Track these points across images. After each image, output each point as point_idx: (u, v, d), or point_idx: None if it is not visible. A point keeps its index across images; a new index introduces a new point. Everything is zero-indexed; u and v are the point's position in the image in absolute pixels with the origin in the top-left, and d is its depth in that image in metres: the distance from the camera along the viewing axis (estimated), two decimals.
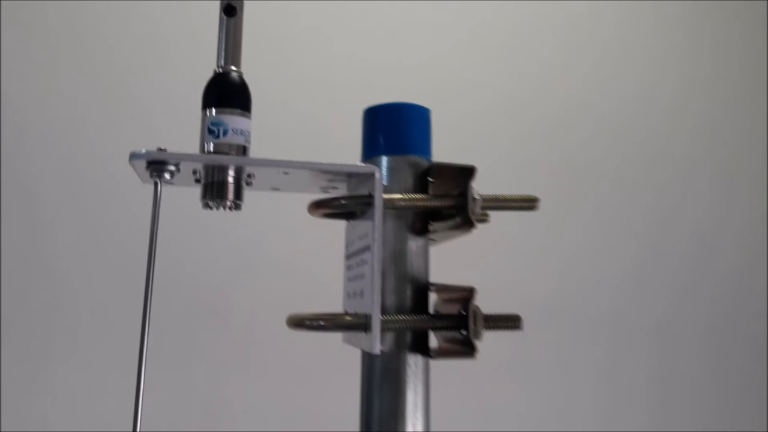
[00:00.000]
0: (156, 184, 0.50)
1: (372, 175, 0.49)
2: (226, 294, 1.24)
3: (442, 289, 0.53)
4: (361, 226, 0.53)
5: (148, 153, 0.47)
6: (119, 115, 1.22)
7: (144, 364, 0.46)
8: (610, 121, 1.56)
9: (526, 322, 0.52)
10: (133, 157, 0.48)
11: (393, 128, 0.54)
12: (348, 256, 0.58)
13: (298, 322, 0.51)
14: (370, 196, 0.49)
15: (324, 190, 0.57)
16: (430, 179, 0.54)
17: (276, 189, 0.58)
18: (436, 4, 1.47)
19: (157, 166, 0.48)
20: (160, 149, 0.48)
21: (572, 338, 1.46)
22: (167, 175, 0.49)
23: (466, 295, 0.50)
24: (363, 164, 0.52)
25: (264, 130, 0.69)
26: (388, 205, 0.50)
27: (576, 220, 1.51)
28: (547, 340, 1.44)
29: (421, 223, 0.54)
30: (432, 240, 0.55)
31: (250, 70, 0.57)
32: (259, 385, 1.24)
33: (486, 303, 0.53)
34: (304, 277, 1.24)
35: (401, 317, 0.50)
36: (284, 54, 1.38)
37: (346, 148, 0.66)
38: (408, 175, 0.53)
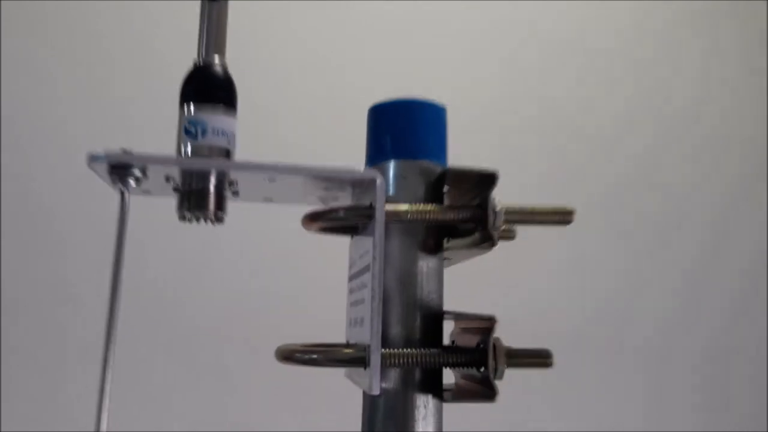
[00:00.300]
0: (123, 193, 0.43)
1: (373, 181, 0.41)
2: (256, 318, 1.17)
3: (458, 317, 0.45)
4: (363, 242, 0.45)
5: (108, 155, 0.40)
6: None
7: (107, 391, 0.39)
8: (658, 135, 1.46)
9: (558, 352, 0.44)
10: (93, 159, 0.40)
11: (402, 128, 0.47)
12: (350, 278, 0.50)
13: (288, 355, 0.44)
14: (371, 207, 0.42)
15: (324, 201, 0.50)
16: (446, 188, 0.46)
17: (269, 200, 0.50)
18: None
19: (121, 170, 0.41)
20: (124, 151, 0.41)
21: (610, 371, 1.36)
22: (132, 182, 0.41)
23: (485, 326, 0.42)
24: (364, 170, 0.44)
25: (253, 133, 0.61)
26: (393, 217, 0.42)
27: (615, 238, 1.40)
28: (581, 373, 1.34)
29: (434, 239, 0.46)
30: (447, 259, 0.47)
31: (237, 62, 0.50)
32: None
33: (512, 332, 0.45)
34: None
35: (408, 351, 0.42)
36: (277, 42, 1.29)
37: (355, 153, 0.58)
38: (419, 183, 0.46)
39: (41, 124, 1.18)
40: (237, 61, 0.51)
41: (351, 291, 0.49)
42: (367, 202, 0.43)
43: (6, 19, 1.19)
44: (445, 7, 1.38)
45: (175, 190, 0.46)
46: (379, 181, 0.41)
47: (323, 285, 1.04)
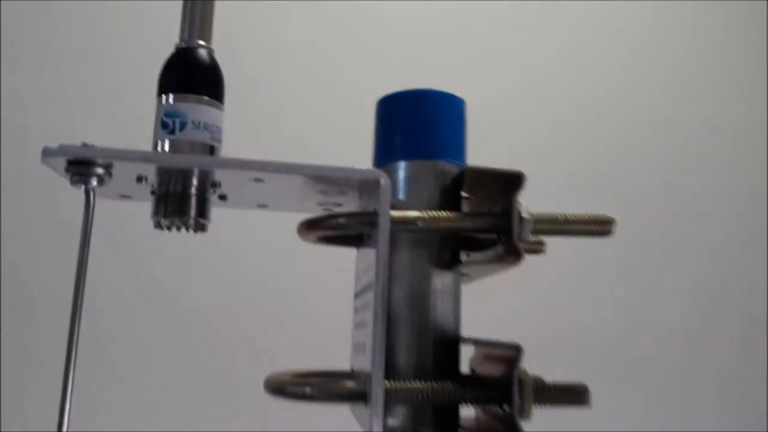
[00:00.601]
0: (88, 194, 0.36)
1: (376, 182, 0.35)
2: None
3: (477, 343, 0.38)
4: (368, 255, 0.39)
5: (64, 149, 0.34)
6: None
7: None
8: (686, 143, 1.38)
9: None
10: (47, 154, 0.34)
11: (415, 123, 0.40)
12: (356, 295, 0.43)
13: (278, 387, 0.37)
14: (376, 214, 0.35)
15: (324, 207, 0.44)
16: (464, 193, 0.39)
17: (263, 206, 0.44)
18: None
19: (80, 167, 0.35)
20: (84, 144, 0.35)
21: (635, 389, 1.27)
22: (94, 181, 0.35)
23: (508, 355, 0.35)
24: (365, 169, 0.37)
25: (247, 131, 0.55)
26: (402, 225, 0.36)
27: (641, 250, 1.32)
28: (609, 394, 1.26)
29: (450, 252, 0.39)
30: (465, 275, 0.40)
31: (226, 47, 0.44)
32: None
33: (536, 357, 0.39)
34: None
35: (417, 385, 0.35)
36: (273, 26, 1.18)
37: (363, 152, 0.51)
38: (433, 187, 0.39)
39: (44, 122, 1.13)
40: (232, 51, 0.45)
41: (356, 310, 0.43)
42: (372, 208, 0.37)
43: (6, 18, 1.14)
44: (472, 6, 1.31)
45: (153, 193, 0.40)
46: (383, 181, 0.34)
47: (327, 289, 0.98)
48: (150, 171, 0.37)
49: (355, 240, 0.42)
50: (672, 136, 1.39)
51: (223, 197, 0.41)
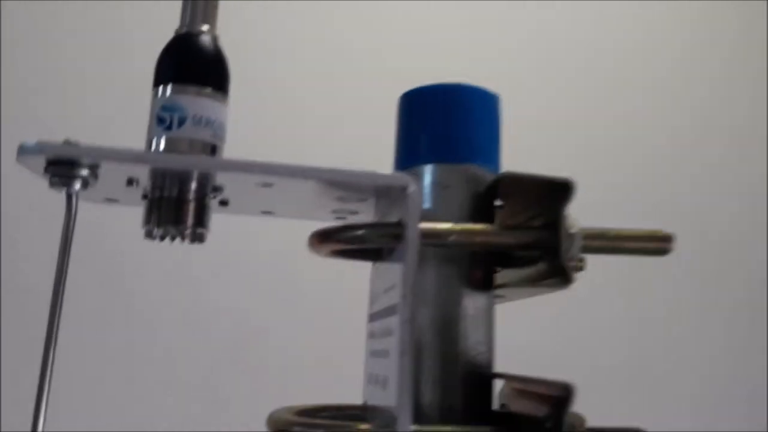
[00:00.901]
0: (70, 199, 0.32)
1: (404, 189, 0.30)
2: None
3: (514, 380, 0.33)
4: (389, 272, 0.34)
5: (43, 146, 0.29)
6: None
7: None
8: (724, 155, 1.32)
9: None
10: (23, 152, 0.30)
11: (443, 123, 0.35)
12: (371, 317, 0.38)
13: (284, 428, 0.32)
14: (401, 225, 0.30)
15: (338, 215, 0.39)
16: (499, 202, 0.34)
17: (268, 213, 0.39)
18: None
19: (62, 168, 0.30)
20: (66, 142, 0.30)
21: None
22: (77, 184, 0.31)
23: (554, 395, 0.30)
24: (391, 174, 0.32)
25: (251, 131, 0.50)
26: (431, 239, 0.31)
27: (671, 270, 1.27)
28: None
29: (483, 270, 0.34)
30: (499, 297, 0.35)
31: (233, 34, 0.39)
32: None
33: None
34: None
35: (447, 429, 0.30)
36: (282, 13, 1.09)
37: (380, 155, 0.46)
38: (464, 195, 0.34)
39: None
40: (236, 39, 0.40)
41: (371, 335, 0.38)
42: (395, 218, 0.32)
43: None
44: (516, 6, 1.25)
45: (145, 197, 0.36)
46: (412, 188, 0.29)
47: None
48: (143, 173, 0.32)
49: (372, 253, 0.37)
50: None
51: (224, 203, 0.37)
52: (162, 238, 0.35)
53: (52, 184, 0.31)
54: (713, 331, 1.25)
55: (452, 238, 0.31)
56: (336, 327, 0.86)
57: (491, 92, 0.36)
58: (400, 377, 0.28)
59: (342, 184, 0.32)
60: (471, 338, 0.33)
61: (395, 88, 0.39)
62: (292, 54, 1.11)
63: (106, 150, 0.30)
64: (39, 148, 0.29)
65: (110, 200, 0.38)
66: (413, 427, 0.29)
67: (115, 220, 0.77)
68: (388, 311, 0.33)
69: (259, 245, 1.00)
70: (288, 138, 1.04)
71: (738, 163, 1.33)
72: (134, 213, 0.38)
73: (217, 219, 0.38)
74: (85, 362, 0.94)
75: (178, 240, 0.36)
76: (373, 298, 0.39)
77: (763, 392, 1.25)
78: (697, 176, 1.31)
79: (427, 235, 0.31)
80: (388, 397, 0.31)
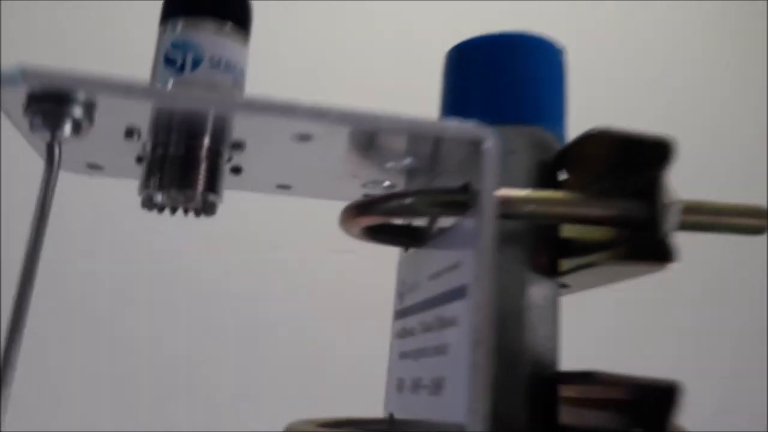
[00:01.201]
0: (52, 150, 0.25)
1: (477, 144, 0.24)
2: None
3: (586, 379, 0.28)
4: (434, 258, 0.28)
5: (26, 73, 0.23)
6: None
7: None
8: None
9: None
10: (5, 82, 0.23)
11: (498, 79, 0.30)
12: (401, 313, 0.33)
13: None
14: (466, 191, 0.25)
15: (367, 186, 0.33)
16: (567, 170, 0.29)
17: (285, 187, 0.33)
18: None
19: (47, 105, 0.24)
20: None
21: None
22: (67, 128, 0.24)
23: (650, 397, 0.24)
24: (466, 125, 0.27)
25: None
26: (504, 209, 0.25)
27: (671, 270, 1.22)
28: None
29: (548, 253, 0.29)
30: (565, 286, 0.30)
31: None
32: None
33: None
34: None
35: None
36: None
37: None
38: (531, 163, 0.29)
39: None
40: None
41: (401, 334, 0.32)
42: (452, 184, 0.26)
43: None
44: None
45: (140, 160, 0.29)
46: (489, 143, 0.24)
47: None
48: (146, 121, 0.26)
49: (408, 236, 0.32)
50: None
51: (237, 169, 0.31)
52: (162, 208, 0.29)
53: (33, 128, 0.24)
54: (713, 330, 1.21)
55: (529, 208, 0.25)
56: (346, 326, 0.80)
57: (554, 44, 0.31)
58: (473, 375, 0.23)
59: (413, 135, 0.25)
60: (538, 333, 0.27)
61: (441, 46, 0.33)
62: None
63: (111, 81, 0.23)
64: (22, 75, 0.23)
65: (93, 166, 0.32)
66: None
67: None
68: (440, 300, 0.27)
69: (265, 241, 0.93)
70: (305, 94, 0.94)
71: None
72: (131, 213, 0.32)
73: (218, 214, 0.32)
74: (84, 362, 0.86)
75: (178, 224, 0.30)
76: (405, 291, 0.33)
77: (763, 392, 1.21)
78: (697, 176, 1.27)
79: (501, 204, 0.25)
80: (443, 405, 0.25)
